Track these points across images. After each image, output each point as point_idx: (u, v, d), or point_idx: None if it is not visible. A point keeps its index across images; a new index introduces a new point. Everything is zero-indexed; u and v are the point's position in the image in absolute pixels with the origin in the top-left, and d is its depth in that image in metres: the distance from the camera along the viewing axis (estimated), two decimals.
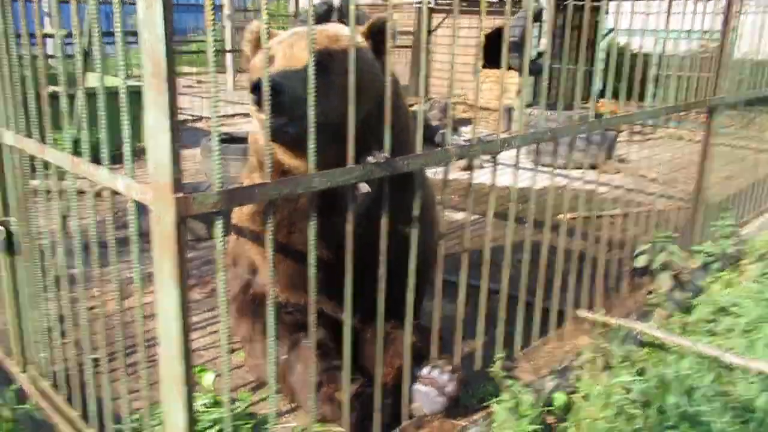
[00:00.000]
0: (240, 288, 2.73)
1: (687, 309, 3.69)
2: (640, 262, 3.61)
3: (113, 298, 1.91)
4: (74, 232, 2.07)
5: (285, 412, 2.54)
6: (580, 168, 3.22)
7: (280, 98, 1.92)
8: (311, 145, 1.77)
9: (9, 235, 2.48)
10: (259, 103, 1.93)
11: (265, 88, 1.63)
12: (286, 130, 2.02)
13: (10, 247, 2.50)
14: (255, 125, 2.45)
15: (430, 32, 10.85)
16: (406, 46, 11.63)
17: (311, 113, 1.74)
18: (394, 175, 2.00)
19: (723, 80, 4.05)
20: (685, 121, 3.94)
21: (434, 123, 8.11)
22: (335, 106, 2.05)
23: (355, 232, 1.95)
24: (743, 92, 4.46)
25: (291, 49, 2.16)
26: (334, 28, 2.34)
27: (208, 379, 2.58)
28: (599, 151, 3.25)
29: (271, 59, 2.17)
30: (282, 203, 2.27)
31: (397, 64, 11.27)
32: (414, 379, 2.34)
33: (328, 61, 2.10)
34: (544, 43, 9.84)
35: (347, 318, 2.03)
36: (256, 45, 2.38)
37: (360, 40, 2.25)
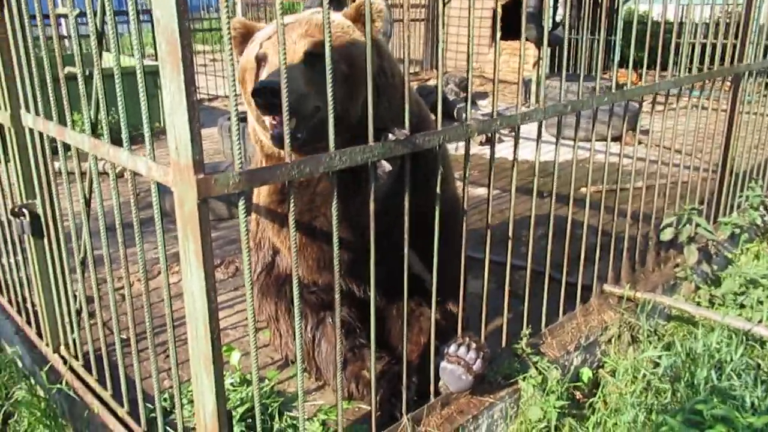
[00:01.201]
0: (263, 268, 2.73)
1: (715, 282, 3.64)
2: (666, 235, 3.54)
3: (140, 279, 1.91)
4: (98, 213, 2.07)
5: (312, 390, 2.55)
6: (602, 140, 3.15)
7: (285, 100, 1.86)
8: (331, 128, 1.74)
9: (35, 217, 2.49)
10: (264, 107, 1.86)
11: (284, 99, 1.58)
12: (297, 136, 1.94)
13: (37, 229, 2.51)
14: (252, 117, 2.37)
15: (444, 5, 10.68)
16: (420, 20, 11.47)
17: (330, 100, 1.71)
18: (414, 152, 1.97)
19: (748, 47, 3.93)
20: (708, 89, 3.82)
21: (451, 97, 8.01)
22: (336, 95, 2.01)
23: (377, 210, 1.92)
24: None
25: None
26: (319, 17, 2.26)
27: (234, 357, 2.59)
28: (622, 122, 3.17)
29: (264, 57, 2.09)
30: (302, 189, 2.24)
31: (411, 38, 11.13)
32: (440, 356, 2.33)
33: (322, 52, 2.04)
34: (561, 13, 9.65)
35: (372, 296, 2.02)
36: (242, 41, 2.27)
37: (348, 23, 2.20)
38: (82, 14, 2.07)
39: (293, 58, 2.02)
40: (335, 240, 1.84)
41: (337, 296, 1.91)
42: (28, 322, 2.93)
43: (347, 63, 2.07)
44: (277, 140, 1.95)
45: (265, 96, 1.80)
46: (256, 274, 2.72)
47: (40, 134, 2.32)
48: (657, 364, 2.89)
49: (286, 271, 2.63)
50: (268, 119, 2.00)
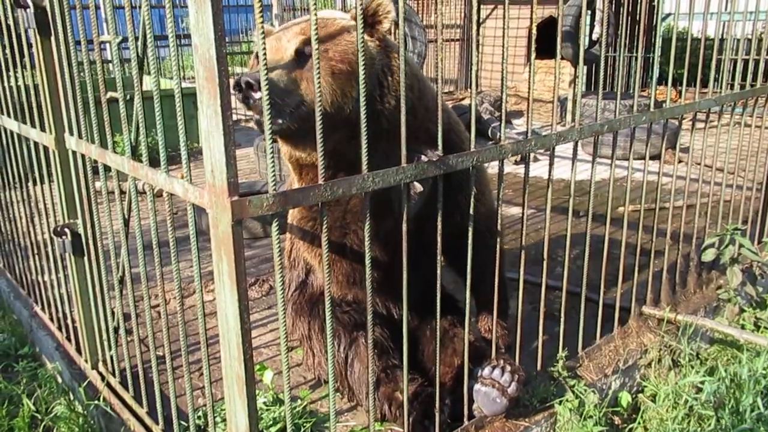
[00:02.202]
0: (296, 287, 2.74)
1: (760, 304, 3.51)
2: (708, 255, 3.44)
3: (175, 297, 1.93)
4: (136, 232, 2.11)
5: (344, 411, 2.53)
6: (641, 159, 3.09)
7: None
8: (364, 143, 1.74)
9: (76, 236, 2.56)
10: (243, 101, 1.88)
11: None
12: (277, 121, 1.89)
13: (78, 248, 2.57)
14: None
15: (478, 26, 10.70)
16: (455, 40, 11.51)
17: (362, 102, 1.70)
18: (448, 172, 1.96)
19: None
20: (751, 106, 3.73)
21: (485, 117, 7.99)
22: (326, 90, 1.98)
23: (409, 229, 1.92)
24: None
25: (277, 43, 2.08)
26: (321, 14, 2.25)
27: (267, 377, 2.60)
28: (661, 140, 3.10)
29: (256, 57, 2.11)
30: (332, 207, 2.25)
31: (446, 58, 11.18)
32: (474, 379, 2.30)
33: (308, 47, 2.02)
34: (598, 30, 9.56)
35: (404, 317, 2.00)
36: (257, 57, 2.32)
37: (351, 23, 2.16)
38: (125, 40, 2.13)
39: (283, 55, 2.03)
40: (367, 260, 1.84)
41: (369, 316, 1.90)
42: (68, 339, 2.99)
43: (342, 60, 2.05)
44: (257, 124, 1.97)
45: (240, 89, 1.83)
46: (290, 293, 2.73)
47: (83, 156, 2.39)
48: (699, 390, 2.80)
49: (320, 290, 2.63)
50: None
